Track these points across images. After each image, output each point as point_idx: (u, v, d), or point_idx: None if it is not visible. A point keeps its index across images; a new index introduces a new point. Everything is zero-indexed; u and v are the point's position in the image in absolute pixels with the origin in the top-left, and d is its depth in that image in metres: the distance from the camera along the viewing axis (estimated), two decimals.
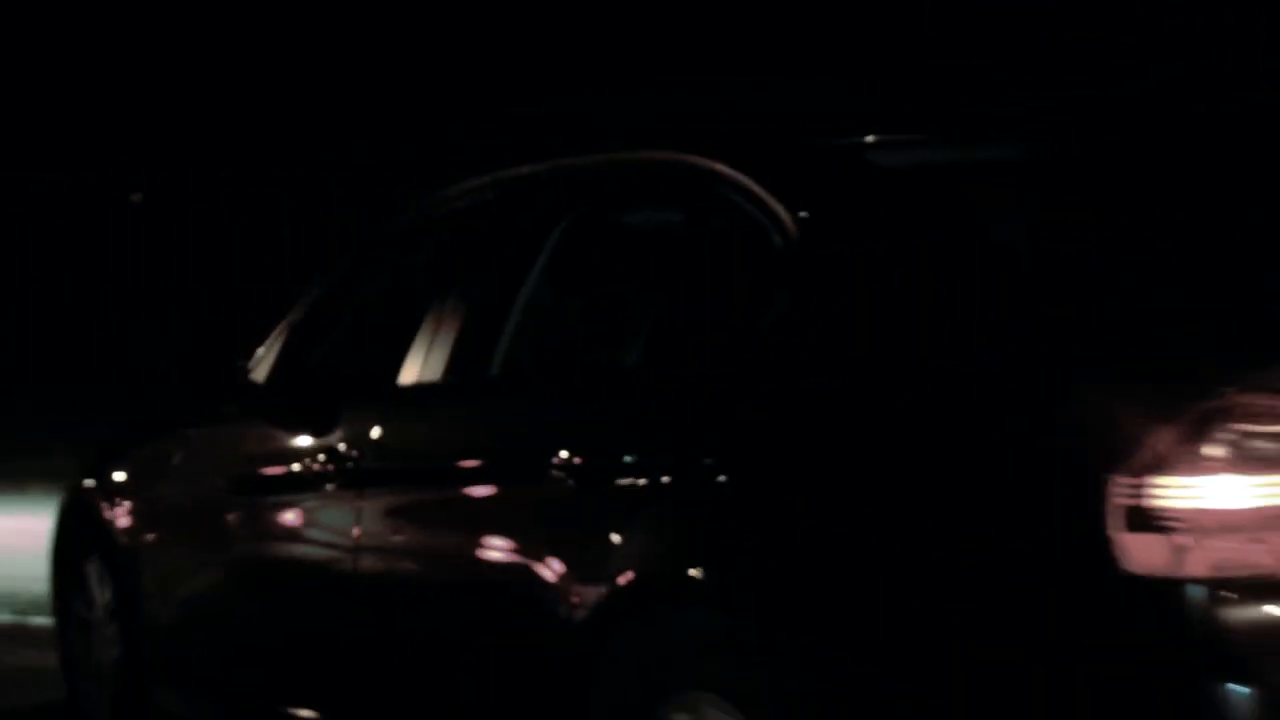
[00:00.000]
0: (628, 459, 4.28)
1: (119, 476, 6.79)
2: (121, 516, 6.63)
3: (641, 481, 4.24)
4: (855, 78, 24.95)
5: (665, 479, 4.18)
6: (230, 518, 6.05)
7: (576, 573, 4.30)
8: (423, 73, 29.58)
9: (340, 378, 5.71)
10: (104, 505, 6.74)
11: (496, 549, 4.67)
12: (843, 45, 25.04)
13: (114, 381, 24.31)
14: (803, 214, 4.15)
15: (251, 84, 27.97)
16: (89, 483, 6.97)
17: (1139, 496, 3.36)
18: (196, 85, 28.05)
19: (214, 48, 27.96)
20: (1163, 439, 3.37)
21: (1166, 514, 3.35)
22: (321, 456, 5.44)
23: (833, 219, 4.17)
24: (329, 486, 5.41)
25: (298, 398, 5.72)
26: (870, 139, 4.56)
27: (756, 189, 4.34)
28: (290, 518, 5.68)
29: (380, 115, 30.17)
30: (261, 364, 6.10)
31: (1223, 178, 4.47)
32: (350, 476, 5.32)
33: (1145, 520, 3.36)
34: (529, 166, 5.55)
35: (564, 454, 4.43)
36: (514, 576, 4.52)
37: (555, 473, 4.44)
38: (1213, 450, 3.37)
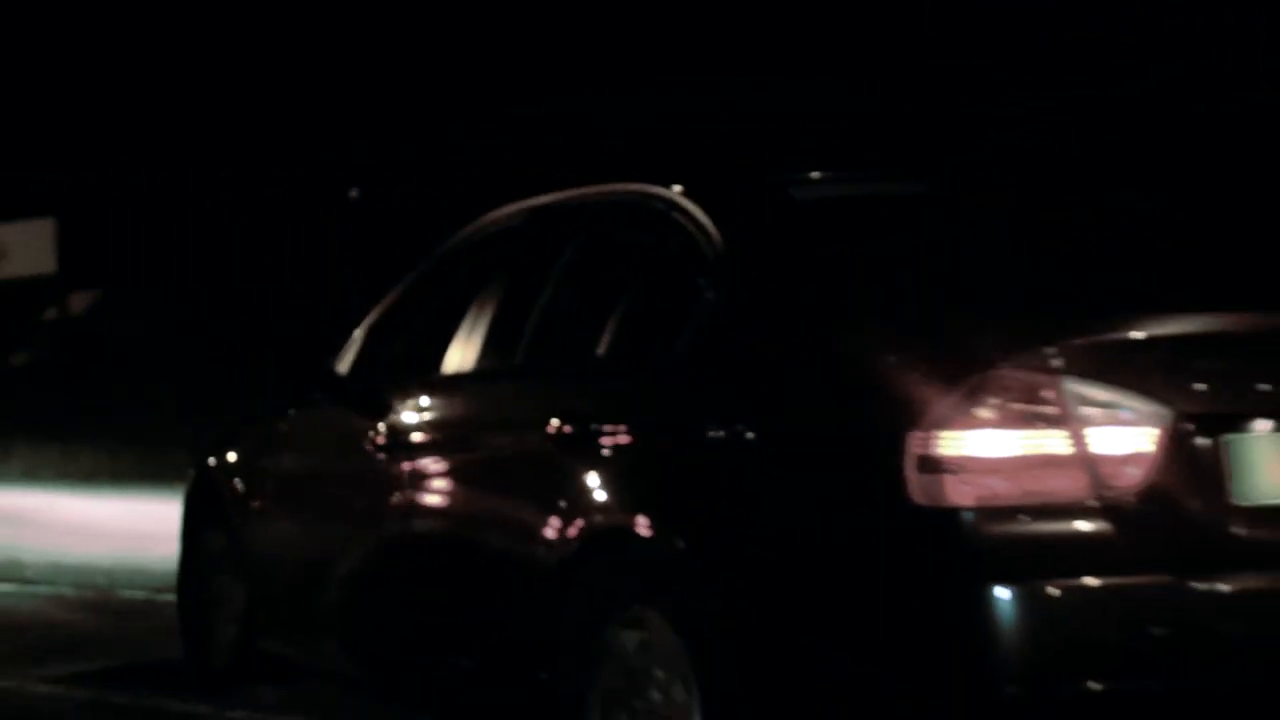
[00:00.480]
0: (595, 430, 5.61)
1: (232, 456, 8.29)
2: (235, 488, 8.12)
3: (606, 449, 5.55)
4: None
5: (622, 448, 5.52)
6: (319, 486, 7.56)
7: (563, 514, 5.66)
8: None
9: (400, 369, 7.10)
10: (222, 479, 8.26)
11: (508, 497, 6.10)
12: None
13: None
14: (728, 236, 5.52)
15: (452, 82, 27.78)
16: (211, 461, 8.45)
17: (927, 447, 4.61)
18: (411, 83, 27.91)
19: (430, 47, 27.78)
20: (945, 404, 4.62)
21: (946, 460, 4.59)
22: (383, 429, 6.83)
23: (751, 240, 5.52)
24: (384, 456, 6.80)
25: (367, 386, 7.15)
26: (805, 175, 6.00)
27: (700, 216, 5.63)
28: (361, 483, 7.01)
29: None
30: (344, 359, 7.51)
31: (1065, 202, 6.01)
32: (401, 446, 6.71)
33: (931, 464, 4.60)
34: (547, 198, 6.73)
35: (554, 424, 5.79)
36: (527, 512, 5.86)
37: (549, 438, 5.81)
38: (981, 412, 4.62)
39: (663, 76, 27.05)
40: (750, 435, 5.09)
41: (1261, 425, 4.73)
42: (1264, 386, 4.73)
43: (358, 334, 7.55)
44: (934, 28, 23.98)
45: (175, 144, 30.96)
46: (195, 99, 30.05)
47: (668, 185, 5.90)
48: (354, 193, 29.79)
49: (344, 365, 7.50)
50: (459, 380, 6.63)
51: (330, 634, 7.33)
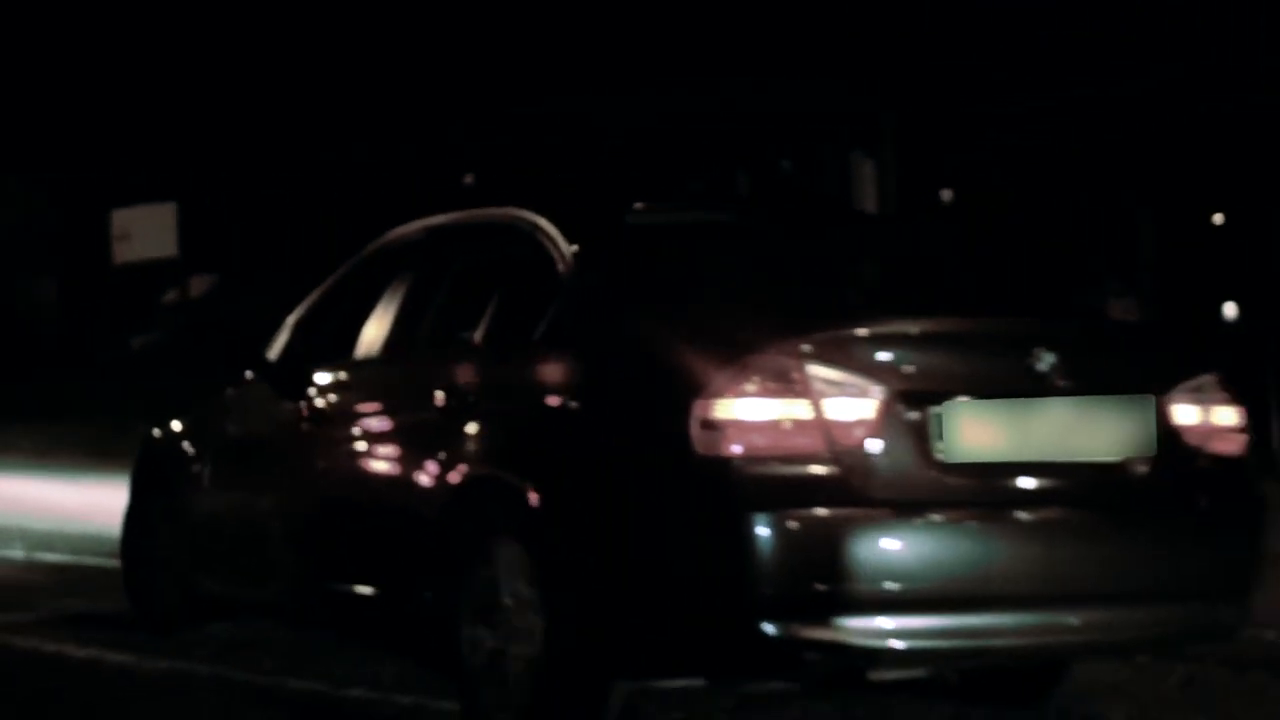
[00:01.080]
0: (472, 402, 7.29)
1: (176, 427, 9.81)
2: (178, 455, 9.63)
3: (479, 416, 7.20)
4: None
5: (491, 414, 7.18)
6: (250, 451, 9.13)
7: (445, 468, 7.32)
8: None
9: (321, 354, 8.66)
10: (166, 448, 9.79)
11: (406, 453, 7.71)
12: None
13: None
14: (575, 251, 7.22)
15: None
16: (156, 432, 10.03)
17: (707, 412, 6.27)
18: (526, 71, 27.80)
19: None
20: (720, 380, 6.27)
21: (720, 421, 6.25)
22: (305, 403, 8.56)
23: (590, 254, 7.23)
24: (306, 425, 8.53)
25: (291, 368, 8.76)
26: (634, 206, 7.83)
27: (556, 236, 7.31)
28: (286, 447, 8.65)
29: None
30: (274, 347, 9.08)
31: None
32: (320, 417, 8.46)
33: (709, 424, 6.27)
34: (443, 218, 8.51)
35: (440, 396, 7.48)
36: (418, 466, 7.52)
37: (436, 408, 7.48)
38: (747, 386, 6.26)
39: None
40: (584, 404, 6.80)
41: (958, 400, 6.43)
42: (960, 371, 6.47)
43: (287, 325, 9.12)
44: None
45: (291, 129, 31.00)
46: (307, 85, 30.02)
47: (533, 212, 7.60)
48: (469, 178, 29.78)
49: (274, 351, 9.10)
50: (368, 362, 8.31)
51: (260, 574, 8.82)
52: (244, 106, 30.61)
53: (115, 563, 10.49)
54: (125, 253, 30.11)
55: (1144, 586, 6.57)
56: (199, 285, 33.62)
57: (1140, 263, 22.59)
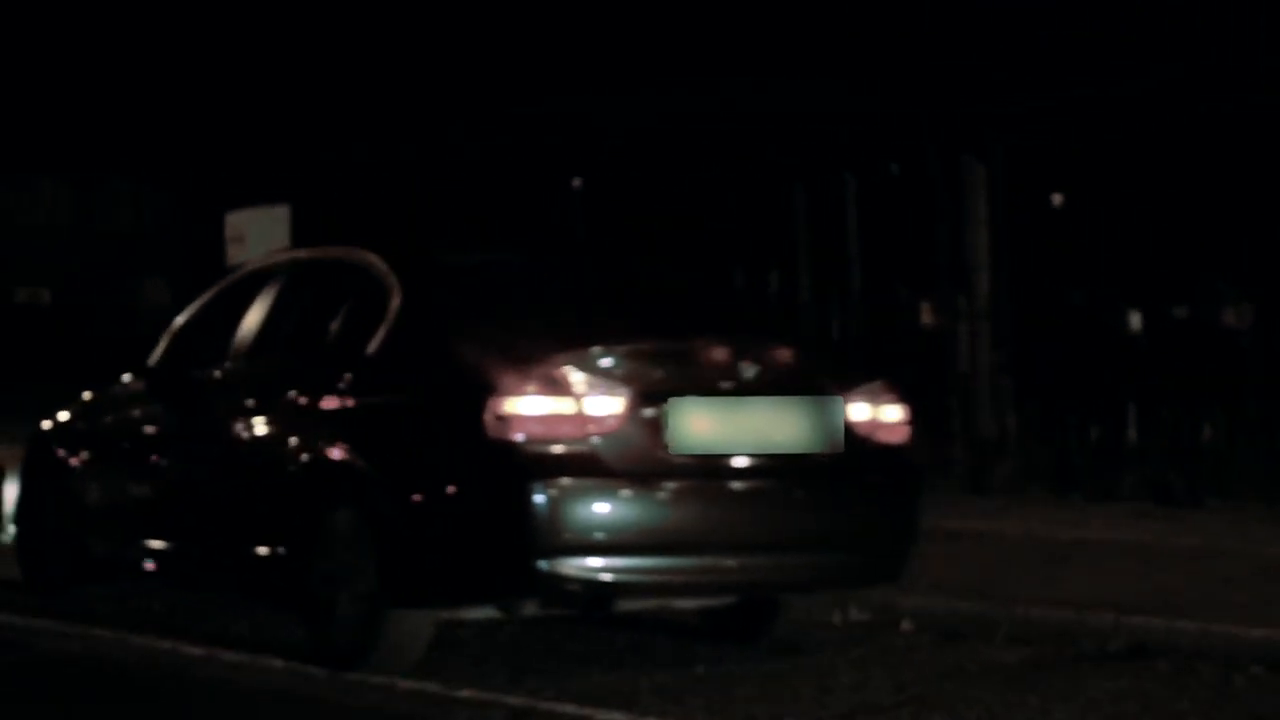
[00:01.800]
0: (319, 398, 9.04)
1: (63, 417, 11.21)
2: (65, 442, 11.06)
3: (326, 409, 8.99)
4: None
5: (335, 409, 8.95)
6: (129, 439, 10.59)
7: (298, 450, 9.04)
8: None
9: (196, 358, 10.24)
10: (55, 437, 11.20)
11: (266, 439, 9.38)
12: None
13: None
14: (400, 283, 9.09)
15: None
16: (46, 424, 11.32)
17: (498, 406, 8.12)
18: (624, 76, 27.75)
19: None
20: (508, 383, 8.15)
21: (507, 414, 8.12)
22: (180, 399, 10.26)
23: (412, 286, 9.08)
24: (180, 416, 10.20)
25: (167, 372, 10.44)
26: (447, 249, 10.45)
27: (385, 271, 9.20)
28: (161, 435, 10.29)
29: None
30: (154, 354, 10.64)
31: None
32: (192, 410, 10.10)
33: (499, 416, 8.13)
34: (303, 251, 10.37)
35: (293, 393, 9.26)
36: (276, 450, 9.21)
37: (288, 403, 9.27)
38: (527, 388, 8.13)
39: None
40: (406, 401, 8.73)
41: (682, 400, 8.30)
42: (684, 378, 8.36)
43: (164, 335, 10.67)
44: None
45: (400, 131, 31.06)
46: (421, 87, 30.04)
47: (370, 252, 9.47)
48: (576, 182, 29.78)
49: (154, 356, 10.61)
50: (236, 366, 9.86)
51: (140, 541, 10.17)
52: (356, 109, 30.70)
53: None
54: (239, 254, 30.33)
55: (822, 540, 8.61)
56: None
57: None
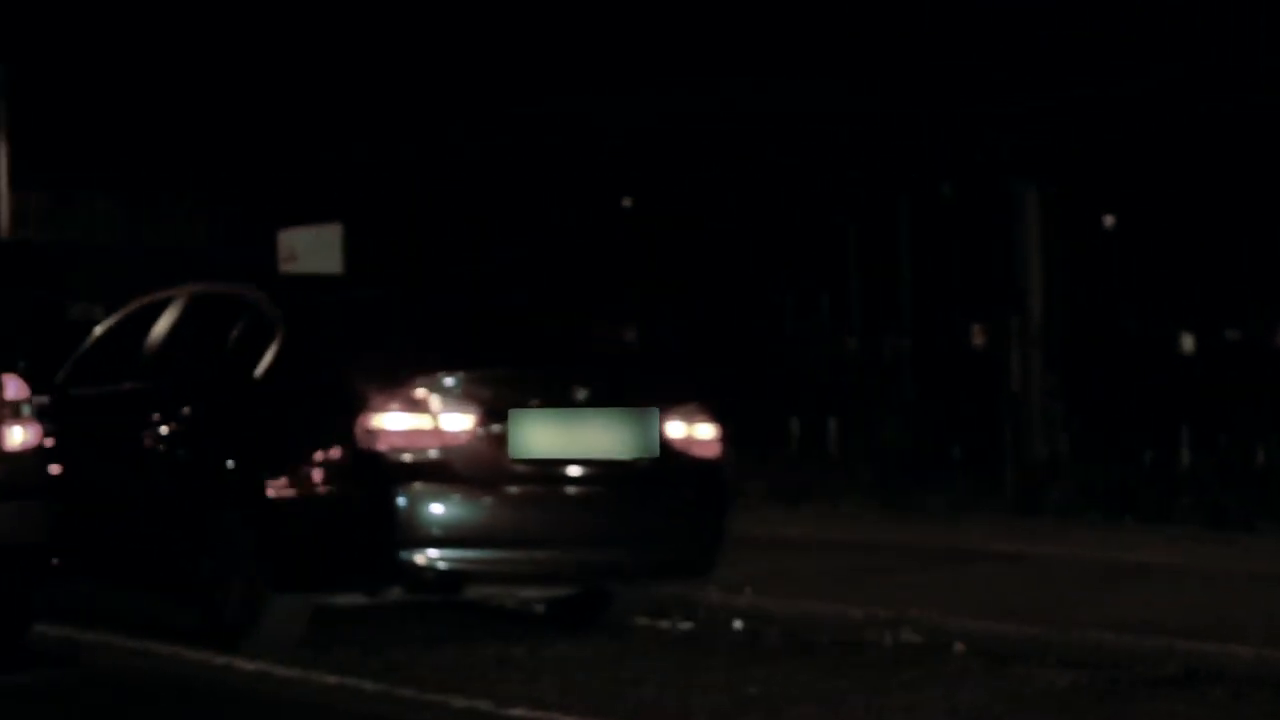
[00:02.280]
0: (211, 414, 10.32)
1: None
2: None
3: (216, 425, 10.27)
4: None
5: (225, 424, 10.23)
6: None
7: (191, 461, 10.26)
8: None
9: (95, 379, 11.24)
10: None
11: (163, 450, 10.55)
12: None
13: None
14: (282, 315, 10.28)
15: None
16: None
17: (367, 422, 9.39)
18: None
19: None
20: (376, 402, 9.43)
21: (375, 428, 9.39)
22: (81, 415, 11.13)
23: (291, 318, 10.26)
24: (84, 432, 11.01)
25: (63, 391, 11.27)
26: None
27: (269, 304, 10.41)
28: (68, 448, 10.76)
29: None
30: (61, 372, 11.52)
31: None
32: (94, 426, 11.07)
33: (369, 429, 9.39)
34: (200, 285, 11.25)
35: (188, 411, 10.45)
36: (172, 459, 10.42)
37: (186, 419, 10.45)
38: (392, 405, 9.42)
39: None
40: (289, 417, 9.98)
41: (521, 414, 9.59)
42: (524, 397, 9.68)
43: (70, 359, 11.58)
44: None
45: (450, 150, 31.21)
46: (468, 107, 30.17)
47: (258, 288, 10.81)
48: (626, 201, 29.84)
49: (59, 377, 11.43)
50: (136, 386, 10.87)
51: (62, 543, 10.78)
52: (405, 127, 30.82)
53: None
54: (292, 271, 30.59)
55: (641, 536, 9.89)
56: None
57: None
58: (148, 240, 42.74)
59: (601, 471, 9.76)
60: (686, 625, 10.53)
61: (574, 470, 9.71)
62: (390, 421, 9.40)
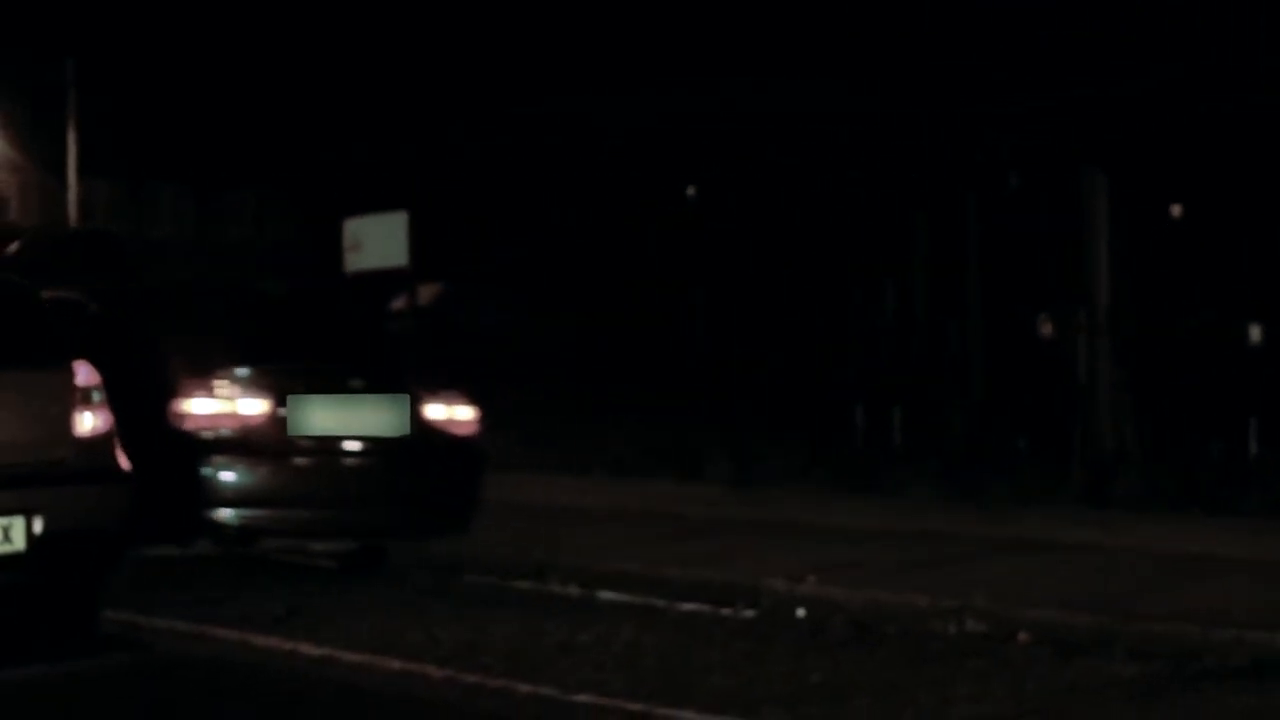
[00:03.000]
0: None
1: None
2: None
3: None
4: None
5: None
6: None
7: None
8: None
9: None
10: None
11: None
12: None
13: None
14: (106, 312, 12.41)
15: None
16: None
17: (179, 405, 11.56)
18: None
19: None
20: (188, 389, 11.59)
21: (185, 411, 11.55)
22: None
23: (123, 323, 12.23)
24: None
25: None
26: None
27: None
28: None
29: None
30: None
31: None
32: None
33: (180, 412, 11.56)
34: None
35: None
36: None
37: None
38: (200, 392, 11.58)
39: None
40: (124, 404, 10.07)
41: (299, 400, 11.55)
42: (305, 385, 11.62)
43: None
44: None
45: (518, 142, 31.34)
46: (524, 101, 30.26)
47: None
48: (691, 191, 29.89)
49: None
50: None
51: None
52: (471, 117, 30.93)
53: None
54: (356, 262, 30.69)
55: (403, 499, 11.83)
56: (427, 293, 34.62)
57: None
58: (213, 232, 43.05)
59: (367, 446, 11.77)
60: (750, 613, 10.54)
61: (343, 445, 11.73)
62: (197, 406, 11.54)
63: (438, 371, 13.26)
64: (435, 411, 12.07)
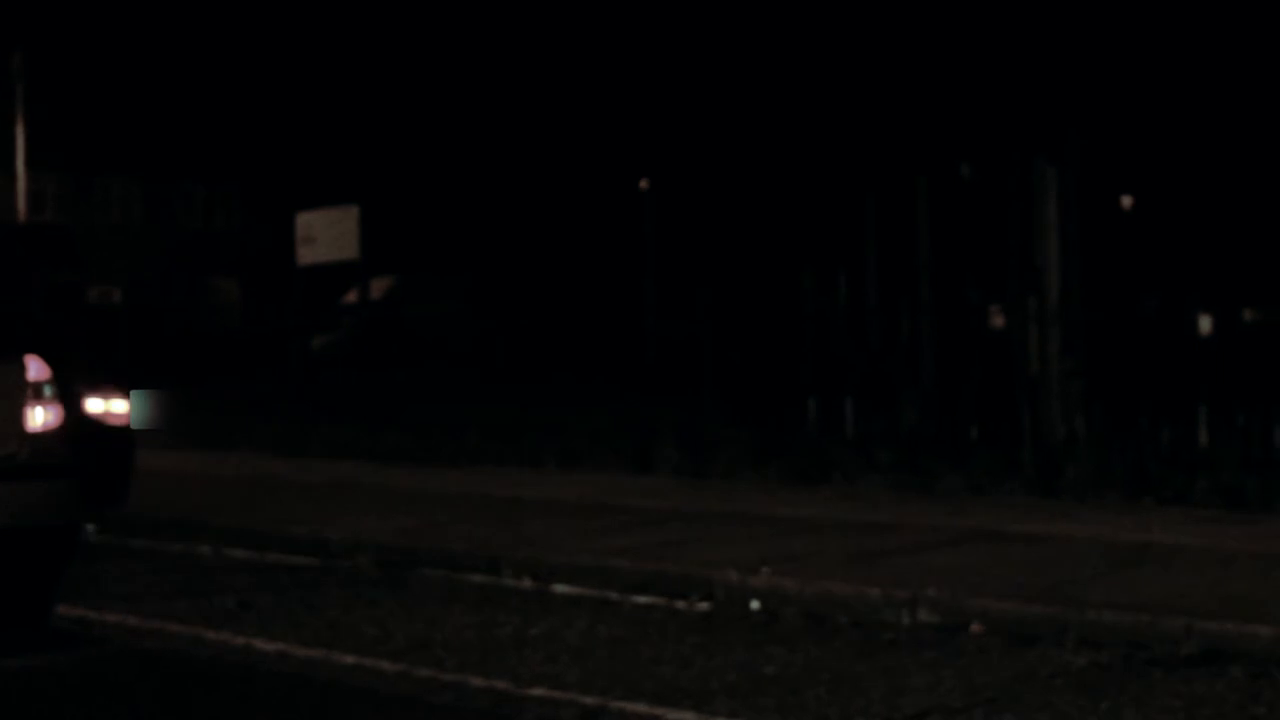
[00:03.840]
0: None
1: None
2: None
3: None
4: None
5: None
6: None
7: None
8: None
9: None
10: None
11: None
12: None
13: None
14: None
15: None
16: None
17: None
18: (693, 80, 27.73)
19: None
20: None
21: None
22: None
23: None
24: None
25: None
26: None
27: None
28: None
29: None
30: None
31: None
32: None
33: None
34: None
35: None
36: None
37: None
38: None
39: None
40: None
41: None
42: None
43: None
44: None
45: (470, 136, 31.31)
46: (498, 97, 30.22)
47: None
48: (644, 183, 29.85)
49: None
50: None
51: None
52: (422, 111, 30.91)
53: None
54: (309, 255, 30.72)
55: (68, 474, 10.18)
56: (379, 287, 34.68)
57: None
58: (168, 224, 42.95)
59: None
60: (703, 605, 10.56)
61: None
62: None
63: (102, 369, 14.70)
64: (94, 404, 13.70)
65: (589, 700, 8.03)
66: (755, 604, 10.44)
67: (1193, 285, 22.02)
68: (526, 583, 11.45)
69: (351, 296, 35.04)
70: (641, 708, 7.89)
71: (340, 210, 29.64)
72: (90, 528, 14.12)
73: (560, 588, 11.20)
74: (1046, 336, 16.97)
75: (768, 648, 9.24)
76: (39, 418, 9.48)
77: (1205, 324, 19.84)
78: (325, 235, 29.58)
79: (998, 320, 20.45)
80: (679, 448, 17.43)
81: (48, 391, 9.57)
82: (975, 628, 9.61)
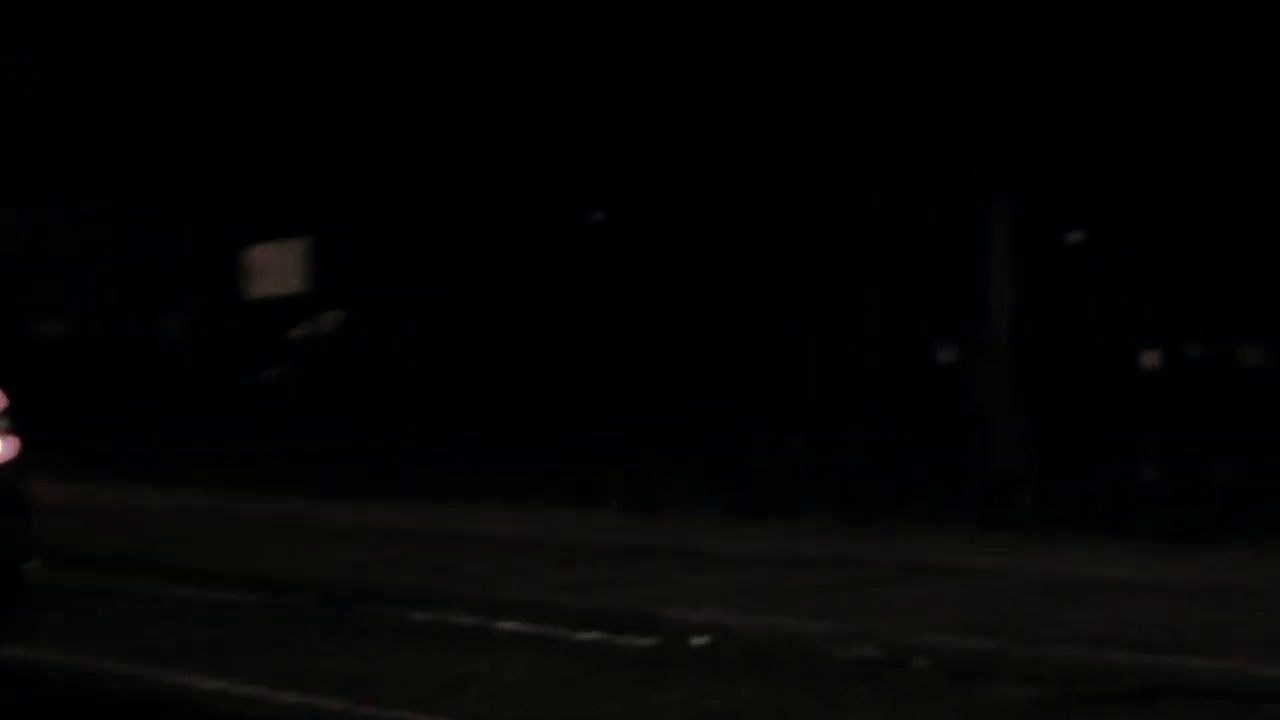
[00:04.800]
0: None
1: None
2: None
3: None
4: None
5: None
6: None
7: None
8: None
9: None
10: None
11: None
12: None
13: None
14: None
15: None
16: None
17: None
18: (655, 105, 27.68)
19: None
20: None
21: None
22: None
23: None
24: None
25: None
26: None
27: None
28: None
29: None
30: None
31: None
32: None
33: None
34: None
35: None
36: None
37: None
38: None
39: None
40: None
41: None
42: None
43: None
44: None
45: (424, 166, 31.27)
46: (442, 122, 30.21)
47: None
48: (598, 216, 29.83)
49: None
50: None
51: None
52: (375, 142, 30.89)
53: None
54: (258, 288, 30.71)
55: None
56: (329, 320, 34.63)
57: None
58: (115, 257, 42.76)
59: None
60: (647, 641, 10.53)
61: None
62: None
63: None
64: None
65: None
66: (699, 640, 10.41)
67: (1139, 321, 22.14)
68: (472, 619, 11.41)
69: (302, 330, 35.04)
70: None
71: (290, 243, 29.70)
72: (32, 564, 13.92)
73: (506, 624, 11.15)
74: (993, 372, 17.02)
75: (709, 683, 9.21)
76: None
77: (1152, 359, 19.95)
78: (275, 268, 29.61)
79: (946, 355, 20.52)
80: (627, 482, 17.41)
81: (2, 424, 9.50)
82: (919, 663, 9.60)
